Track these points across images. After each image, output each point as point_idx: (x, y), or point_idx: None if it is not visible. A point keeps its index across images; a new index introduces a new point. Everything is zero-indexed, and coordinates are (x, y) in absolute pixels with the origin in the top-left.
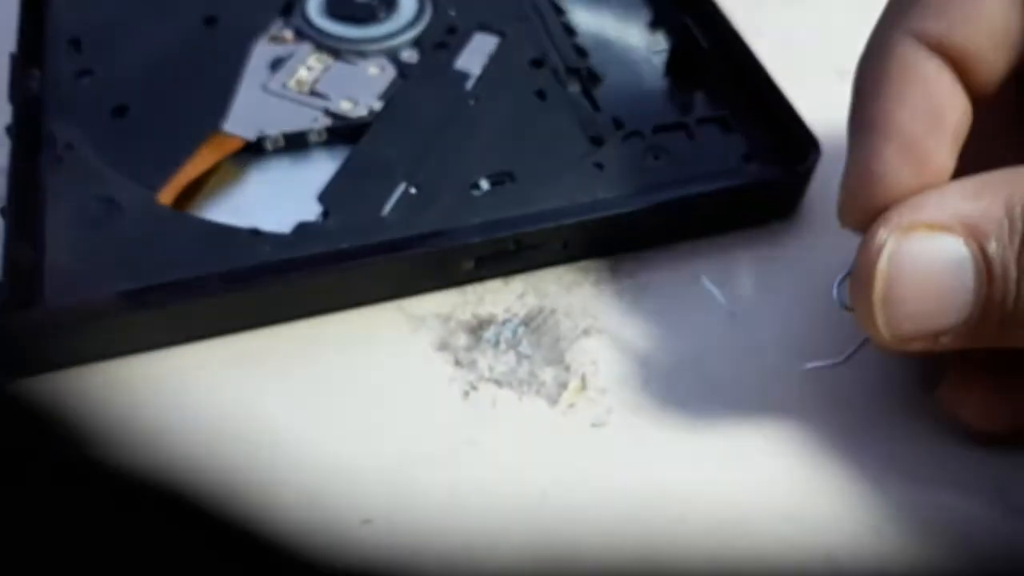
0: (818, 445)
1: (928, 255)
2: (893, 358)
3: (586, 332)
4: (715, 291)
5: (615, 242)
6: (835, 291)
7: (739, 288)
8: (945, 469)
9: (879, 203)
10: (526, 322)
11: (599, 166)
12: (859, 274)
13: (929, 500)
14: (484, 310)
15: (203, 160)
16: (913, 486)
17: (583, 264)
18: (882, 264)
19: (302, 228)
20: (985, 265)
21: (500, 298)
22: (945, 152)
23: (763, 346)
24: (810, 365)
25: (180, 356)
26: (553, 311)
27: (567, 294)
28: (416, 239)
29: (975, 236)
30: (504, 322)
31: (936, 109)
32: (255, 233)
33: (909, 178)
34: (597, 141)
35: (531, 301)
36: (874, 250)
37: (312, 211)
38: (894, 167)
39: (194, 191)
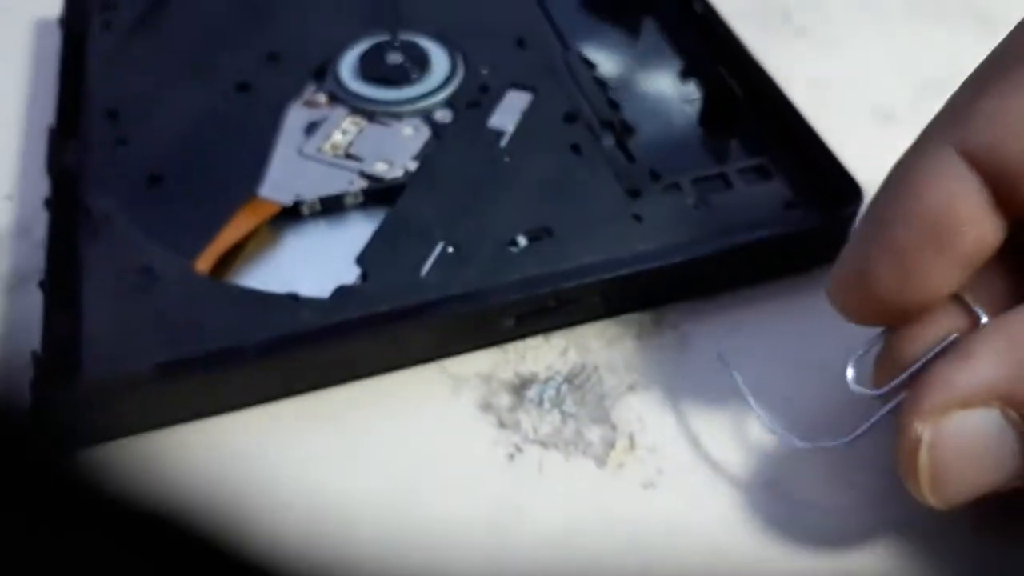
0: (888, 511)
1: (968, 435)
2: None
3: (631, 388)
4: (735, 375)
5: (656, 295)
6: (850, 373)
7: (782, 336)
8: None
9: (864, 305)
10: (569, 380)
11: (637, 218)
12: (902, 463)
13: None
14: (526, 368)
15: (240, 226)
16: None
17: (625, 318)
18: (923, 459)
19: (341, 292)
20: None
21: (542, 355)
22: (944, 274)
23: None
24: (816, 444)
25: (220, 425)
26: (596, 367)
27: (609, 349)
28: (455, 299)
29: (1013, 404)
30: (547, 380)
31: (946, 229)
32: (294, 299)
33: (896, 290)
34: (634, 193)
35: (573, 358)
36: (912, 442)
37: (351, 274)
38: (883, 275)
39: (231, 258)
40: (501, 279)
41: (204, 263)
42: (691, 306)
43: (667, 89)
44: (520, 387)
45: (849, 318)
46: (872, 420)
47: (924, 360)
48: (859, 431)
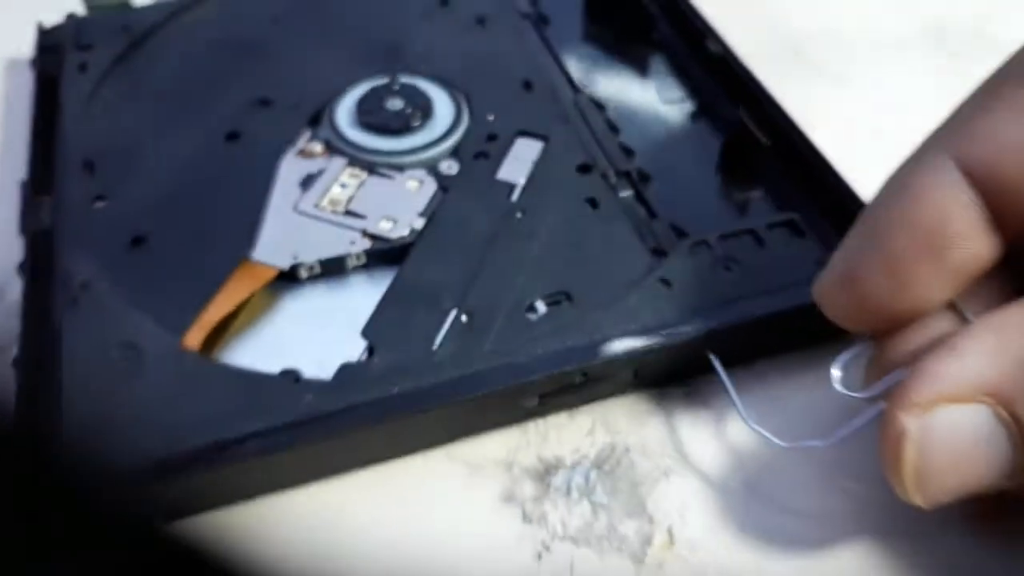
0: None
1: (956, 431)
2: None
3: (666, 474)
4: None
5: (690, 367)
6: (835, 374)
7: (830, 410)
8: None
9: (855, 310)
10: (598, 464)
11: (666, 283)
12: (886, 456)
13: None
14: (549, 451)
15: (232, 294)
16: None
17: (656, 391)
18: (908, 453)
19: (346, 371)
20: (1019, 430)
21: (566, 436)
22: (935, 284)
23: (864, 474)
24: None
25: (211, 521)
26: (627, 449)
27: (641, 427)
28: (473, 379)
29: (1004, 403)
30: (574, 466)
31: (941, 240)
32: (294, 380)
33: (886, 295)
34: (659, 252)
35: (601, 438)
36: (896, 435)
37: (355, 346)
38: (875, 281)
39: (223, 329)
40: (521, 351)
41: (193, 338)
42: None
43: (680, 133)
44: (544, 473)
45: (839, 322)
46: (857, 421)
47: (905, 373)
48: (842, 432)
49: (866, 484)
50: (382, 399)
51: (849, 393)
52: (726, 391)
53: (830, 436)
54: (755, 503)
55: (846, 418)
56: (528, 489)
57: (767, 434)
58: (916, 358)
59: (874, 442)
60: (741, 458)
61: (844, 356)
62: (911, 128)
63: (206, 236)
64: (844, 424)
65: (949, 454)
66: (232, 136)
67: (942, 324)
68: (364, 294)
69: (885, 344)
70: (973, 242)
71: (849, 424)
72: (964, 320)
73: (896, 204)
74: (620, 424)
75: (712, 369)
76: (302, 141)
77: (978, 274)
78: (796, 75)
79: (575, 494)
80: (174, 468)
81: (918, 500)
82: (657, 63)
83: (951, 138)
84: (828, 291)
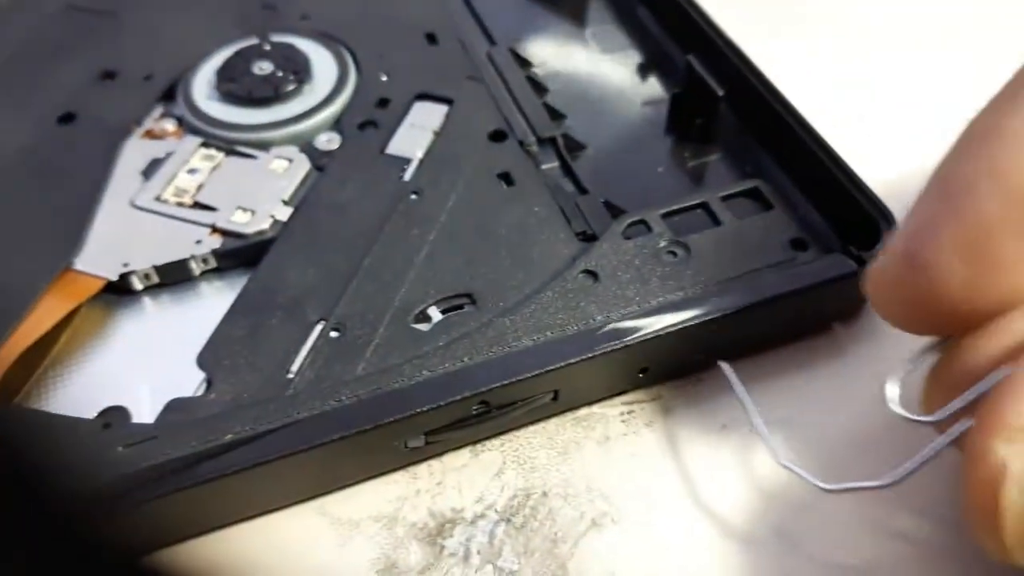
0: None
1: None
2: None
3: (596, 523)
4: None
5: (623, 381)
6: (890, 392)
7: (803, 433)
8: None
9: (924, 307)
10: (507, 517)
11: (592, 275)
12: (975, 500)
13: None
14: (444, 503)
15: (47, 313)
16: None
17: (581, 414)
18: (1009, 495)
19: (172, 410)
20: None
21: (467, 480)
22: None
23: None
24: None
25: None
26: (545, 494)
27: (563, 462)
28: (339, 415)
29: None
30: (475, 520)
31: None
32: (105, 426)
33: (972, 286)
34: (587, 237)
35: (512, 480)
36: (993, 472)
37: (192, 375)
38: (956, 265)
39: (36, 359)
40: (404, 377)
41: None
42: (670, 392)
43: (624, 90)
44: (436, 533)
45: (899, 324)
46: (925, 452)
47: (997, 377)
48: (907, 467)
49: (926, 526)
50: (215, 447)
51: (911, 416)
52: (669, 409)
53: (886, 474)
54: (711, 553)
55: (848, 439)
56: (415, 555)
57: (805, 474)
58: (999, 370)
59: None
60: (694, 495)
61: (902, 371)
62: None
63: (23, 243)
64: (907, 459)
65: None
66: (66, 118)
67: None
68: (214, 307)
69: (958, 349)
70: None
71: (915, 458)
72: None
73: (983, 160)
74: (538, 460)
75: (650, 383)
76: (151, 120)
77: None
78: (767, 23)
79: (475, 559)
80: None
81: (1018, 558)
82: (596, 7)
83: None
84: (885, 281)
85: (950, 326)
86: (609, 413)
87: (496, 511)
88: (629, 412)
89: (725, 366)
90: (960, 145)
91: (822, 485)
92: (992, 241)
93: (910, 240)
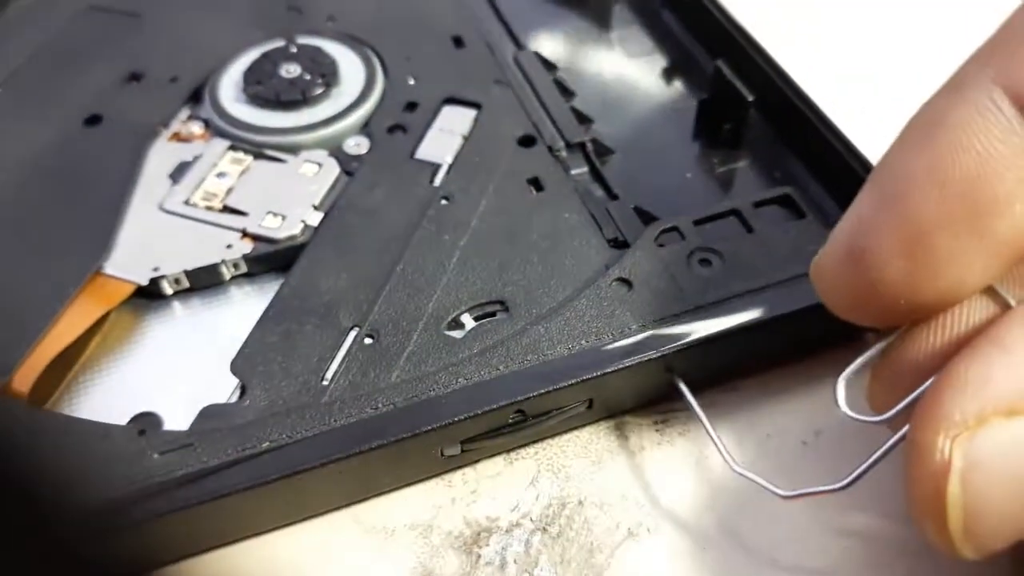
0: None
1: (1014, 452)
2: None
3: (632, 533)
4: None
5: (659, 392)
6: (839, 391)
7: (838, 438)
8: None
9: (865, 298)
10: (543, 526)
11: (626, 283)
12: (919, 497)
13: None
14: (479, 512)
15: (77, 320)
16: None
17: (616, 422)
18: (953, 488)
19: (206, 417)
20: None
21: (501, 489)
22: (979, 263)
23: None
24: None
25: None
26: (580, 503)
27: (597, 471)
28: (375, 423)
29: None
30: (510, 529)
31: (988, 203)
32: (140, 432)
33: (911, 281)
34: (619, 244)
35: (547, 489)
36: (935, 469)
37: (226, 381)
38: (895, 260)
39: (68, 364)
40: (439, 385)
41: (23, 379)
42: (709, 398)
43: (650, 94)
44: (472, 542)
45: (841, 314)
46: (876, 455)
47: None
48: (858, 471)
49: (887, 526)
50: (249, 456)
51: (859, 417)
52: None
53: (840, 478)
54: (750, 566)
55: (860, 447)
56: (452, 564)
57: (761, 481)
58: (947, 360)
59: (895, 472)
60: (729, 506)
61: (853, 366)
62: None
63: (52, 247)
64: (858, 461)
65: (1006, 488)
66: (92, 120)
67: (977, 314)
68: (245, 313)
69: (901, 343)
70: None
71: (866, 461)
72: (1007, 307)
73: (923, 153)
74: (572, 468)
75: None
76: (177, 122)
77: None
78: (795, 29)
79: (512, 568)
80: None
81: (966, 551)
82: (621, 10)
83: (999, 61)
84: (828, 272)
85: (894, 317)
86: (643, 422)
87: (532, 520)
88: (663, 421)
89: (681, 385)
90: (900, 139)
91: (780, 492)
92: (930, 237)
93: (852, 234)
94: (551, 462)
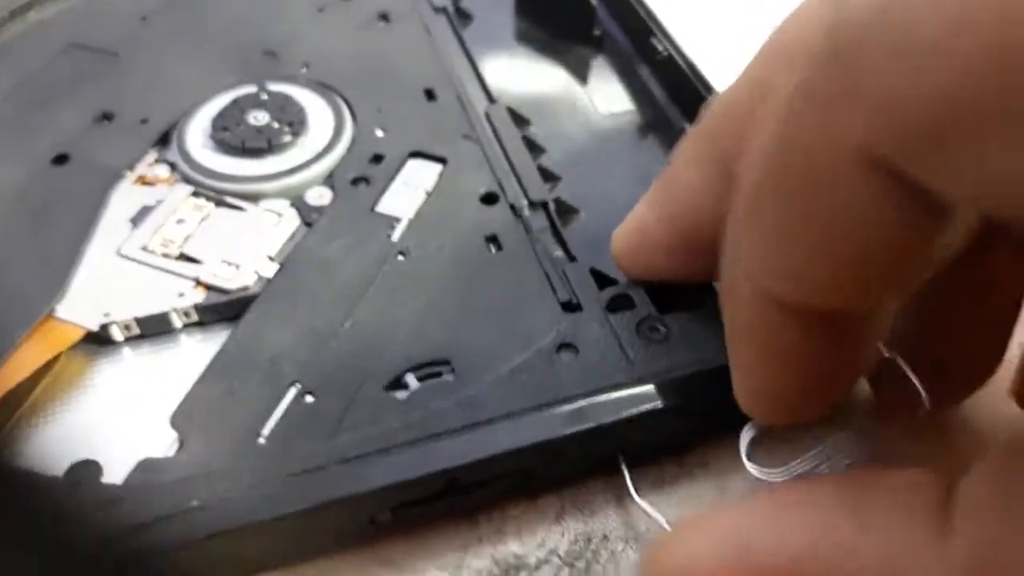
0: None
1: None
2: None
3: None
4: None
5: (597, 463)
6: (743, 447)
7: None
8: None
9: (645, 266)
10: (570, 562)
11: (573, 348)
12: None
13: None
14: (507, 550)
15: (26, 361)
16: None
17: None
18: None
19: (143, 469)
20: None
21: (527, 526)
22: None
23: None
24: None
25: None
26: (606, 537)
27: (620, 505)
28: (305, 484)
29: None
30: (539, 566)
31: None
32: (73, 484)
33: (668, 252)
34: (572, 307)
35: (572, 525)
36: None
37: (166, 433)
38: (653, 230)
39: (14, 404)
40: (374, 449)
41: None
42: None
43: (622, 153)
44: None
45: (633, 276)
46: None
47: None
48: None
49: None
50: (178, 513)
51: (761, 473)
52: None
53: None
54: None
55: None
56: None
57: (658, 516)
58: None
59: None
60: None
61: (752, 433)
62: None
63: (7, 286)
64: None
65: None
66: (60, 159)
67: None
68: (199, 359)
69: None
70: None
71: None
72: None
73: (702, 134)
74: (596, 504)
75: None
76: (144, 165)
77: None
78: None
79: None
80: None
81: None
82: (600, 66)
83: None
84: (624, 244)
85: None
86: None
87: (559, 556)
88: (680, 459)
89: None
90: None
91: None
92: (688, 217)
93: (642, 207)
94: (575, 497)
